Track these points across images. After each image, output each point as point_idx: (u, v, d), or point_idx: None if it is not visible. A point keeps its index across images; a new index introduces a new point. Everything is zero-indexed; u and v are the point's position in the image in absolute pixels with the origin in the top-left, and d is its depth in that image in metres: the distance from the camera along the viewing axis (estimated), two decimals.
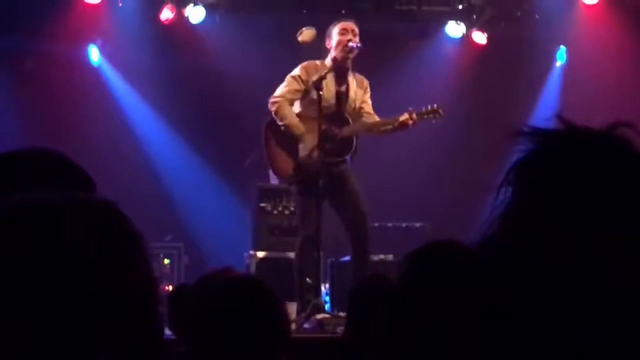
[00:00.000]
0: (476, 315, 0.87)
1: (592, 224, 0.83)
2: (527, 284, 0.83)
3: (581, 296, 0.81)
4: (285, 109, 6.80)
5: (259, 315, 2.50)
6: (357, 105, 6.93)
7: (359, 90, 6.94)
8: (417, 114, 6.79)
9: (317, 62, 6.91)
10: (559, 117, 0.92)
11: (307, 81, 6.80)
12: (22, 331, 0.87)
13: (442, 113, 6.90)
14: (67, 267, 0.89)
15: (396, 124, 6.74)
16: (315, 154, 6.63)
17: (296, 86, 6.85)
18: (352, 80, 6.93)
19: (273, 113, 6.84)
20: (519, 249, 0.85)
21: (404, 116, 6.71)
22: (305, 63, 6.93)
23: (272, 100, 6.85)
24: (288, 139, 6.85)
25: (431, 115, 6.89)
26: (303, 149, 6.77)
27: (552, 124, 0.93)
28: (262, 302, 2.53)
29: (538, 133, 0.91)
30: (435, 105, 6.90)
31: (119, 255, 0.93)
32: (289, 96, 6.85)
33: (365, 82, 7.04)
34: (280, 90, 6.87)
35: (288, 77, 6.89)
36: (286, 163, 6.90)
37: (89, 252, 0.91)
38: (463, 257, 2.24)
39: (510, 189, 0.91)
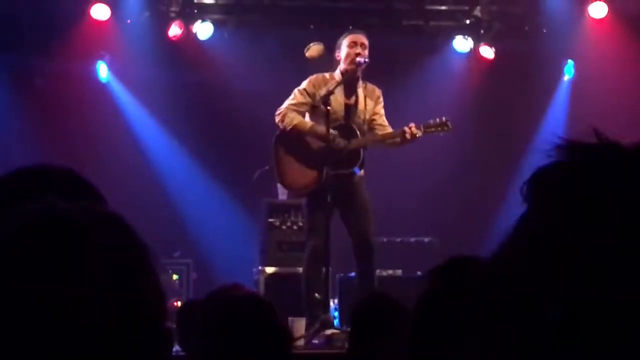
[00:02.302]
0: (490, 323, 0.88)
1: (609, 236, 0.84)
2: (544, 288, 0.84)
3: (596, 300, 0.82)
4: (290, 115, 6.81)
5: (265, 332, 2.50)
6: (368, 117, 6.91)
7: (369, 102, 6.91)
8: (424, 126, 6.78)
9: (326, 74, 6.90)
10: (595, 130, 0.92)
11: (314, 94, 6.79)
12: (27, 336, 0.87)
13: (450, 126, 6.86)
14: (88, 278, 0.90)
15: (404, 136, 6.72)
16: (324, 167, 6.64)
17: (301, 99, 6.85)
18: (362, 91, 6.91)
19: (279, 124, 6.85)
20: (535, 257, 0.86)
21: (409, 128, 6.69)
22: (313, 76, 6.92)
23: (276, 113, 6.87)
24: (297, 151, 6.84)
25: (439, 128, 6.85)
26: (313, 162, 6.77)
27: (581, 137, 0.93)
28: (269, 318, 2.53)
29: (564, 145, 0.91)
30: (443, 118, 6.87)
31: (130, 267, 0.94)
32: (293, 107, 6.85)
33: (377, 92, 6.99)
34: (285, 103, 6.89)
35: (294, 91, 6.90)
36: (296, 176, 6.90)
37: (107, 262, 0.92)
38: (482, 272, 2.24)
39: (528, 200, 0.91)
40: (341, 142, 6.66)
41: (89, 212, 0.96)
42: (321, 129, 6.69)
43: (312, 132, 6.76)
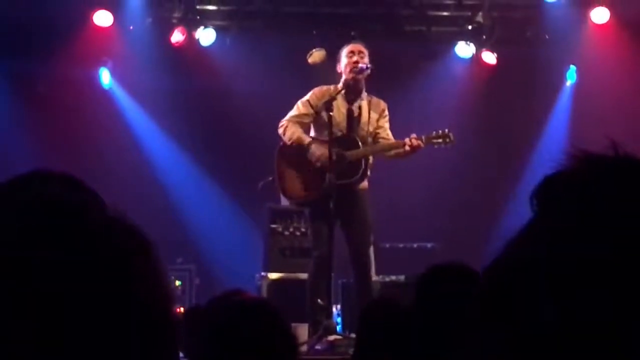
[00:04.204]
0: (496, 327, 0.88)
1: (616, 244, 0.84)
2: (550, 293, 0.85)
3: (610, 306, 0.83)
4: (292, 128, 6.84)
5: (271, 338, 2.49)
6: (371, 129, 6.91)
7: (373, 114, 6.91)
8: (426, 138, 6.78)
9: (331, 87, 6.91)
10: (613, 142, 0.92)
11: (317, 105, 6.81)
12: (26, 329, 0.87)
13: (452, 138, 6.86)
14: (89, 267, 0.90)
15: (405, 148, 6.71)
16: (326, 176, 6.63)
17: (304, 110, 6.87)
18: (366, 103, 6.92)
19: (282, 136, 6.88)
20: (549, 260, 0.86)
21: (409, 140, 6.68)
22: (317, 88, 6.94)
23: (279, 125, 6.89)
24: (298, 162, 6.85)
25: (441, 140, 6.85)
26: (314, 173, 6.77)
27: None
28: (273, 324, 2.53)
29: (575, 154, 0.92)
30: (446, 130, 6.87)
31: (135, 262, 0.93)
32: (296, 119, 6.87)
33: (382, 105, 6.99)
34: (288, 114, 6.91)
35: (298, 102, 6.93)
36: (296, 186, 6.91)
37: (108, 253, 0.92)
38: (468, 278, 2.25)
39: (536, 207, 0.92)
40: (333, 179, 6.60)
41: (90, 204, 0.96)
42: (316, 148, 6.70)
43: (308, 150, 6.76)
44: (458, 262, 2.45)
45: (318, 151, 6.73)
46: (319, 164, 6.71)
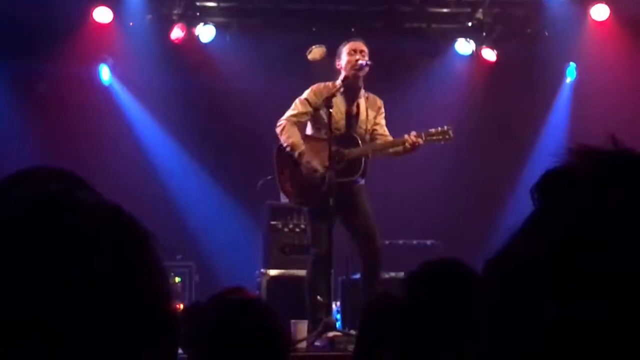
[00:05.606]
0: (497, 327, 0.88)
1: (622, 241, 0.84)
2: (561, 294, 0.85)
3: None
4: (289, 130, 6.80)
5: (263, 336, 2.50)
6: (369, 126, 6.90)
7: (370, 112, 6.91)
8: (425, 134, 6.76)
9: (329, 83, 6.90)
10: (612, 137, 0.92)
11: (316, 103, 6.79)
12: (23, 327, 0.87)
13: (451, 134, 6.84)
14: (85, 258, 0.89)
15: (406, 145, 6.70)
16: (326, 174, 6.62)
17: (302, 109, 6.85)
18: (364, 101, 6.90)
19: (279, 135, 6.85)
20: (554, 262, 0.86)
21: (409, 137, 6.68)
22: (315, 86, 6.92)
23: (277, 124, 6.87)
24: (297, 163, 6.83)
25: (440, 137, 6.84)
26: (313, 170, 6.75)
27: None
28: (267, 323, 2.53)
29: (576, 149, 0.91)
30: (445, 127, 6.86)
31: (131, 253, 0.93)
32: (294, 119, 6.85)
33: (379, 102, 6.99)
34: (287, 113, 6.89)
35: (296, 100, 6.90)
36: (296, 186, 6.89)
37: (104, 245, 0.91)
38: (463, 275, 2.26)
39: (538, 201, 0.91)
40: (333, 178, 6.59)
41: (88, 200, 0.96)
42: (307, 162, 6.68)
43: (299, 160, 6.73)
44: (450, 259, 2.45)
45: (309, 165, 6.70)
46: (314, 175, 6.68)
